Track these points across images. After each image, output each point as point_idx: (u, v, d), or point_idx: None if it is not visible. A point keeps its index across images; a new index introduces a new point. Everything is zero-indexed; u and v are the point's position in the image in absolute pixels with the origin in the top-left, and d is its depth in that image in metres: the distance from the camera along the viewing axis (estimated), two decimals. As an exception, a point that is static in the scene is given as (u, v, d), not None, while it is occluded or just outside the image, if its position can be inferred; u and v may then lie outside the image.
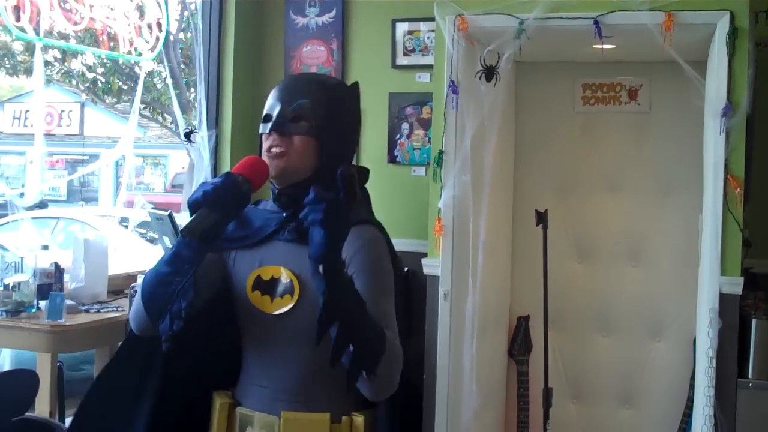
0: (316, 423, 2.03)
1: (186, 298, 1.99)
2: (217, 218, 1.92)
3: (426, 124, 4.66)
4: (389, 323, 1.95)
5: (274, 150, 2.06)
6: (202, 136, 4.88)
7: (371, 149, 4.94)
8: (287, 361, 2.06)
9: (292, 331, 2.04)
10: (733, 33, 3.63)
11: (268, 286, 2.06)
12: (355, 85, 2.25)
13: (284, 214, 2.10)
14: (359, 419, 2.06)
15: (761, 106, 4.20)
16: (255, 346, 2.12)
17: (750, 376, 3.70)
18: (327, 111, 2.11)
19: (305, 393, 2.06)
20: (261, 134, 2.13)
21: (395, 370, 1.91)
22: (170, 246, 4.02)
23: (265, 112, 2.14)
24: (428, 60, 4.62)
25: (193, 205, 1.92)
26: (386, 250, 2.09)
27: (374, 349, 1.83)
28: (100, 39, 5.14)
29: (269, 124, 2.09)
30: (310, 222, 1.75)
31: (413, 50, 4.86)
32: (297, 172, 2.06)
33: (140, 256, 5.47)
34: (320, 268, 1.74)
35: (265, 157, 2.10)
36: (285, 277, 2.05)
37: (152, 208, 4.41)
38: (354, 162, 4.79)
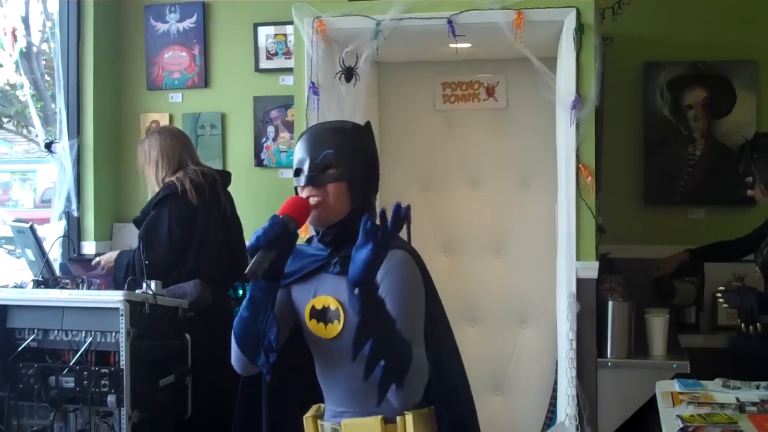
0: (370, 424, 2.28)
1: (272, 332, 2.21)
2: (273, 258, 2.12)
3: (292, 127, 4.69)
4: (417, 340, 2.17)
5: (312, 200, 2.27)
6: (63, 147, 4.79)
7: (237, 153, 4.97)
8: (342, 377, 2.31)
9: (343, 350, 2.21)
10: (580, 29, 3.79)
11: (321, 315, 2.32)
12: (368, 124, 2.43)
13: (328, 251, 2.33)
14: (409, 417, 2.27)
15: (609, 98, 4.40)
16: (320, 367, 2.39)
17: (609, 355, 3.87)
18: (351, 156, 2.31)
19: (361, 402, 2.30)
20: (296, 186, 2.34)
21: (420, 382, 2.15)
22: (32, 258, 3.97)
23: (295, 167, 2.33)
24: (291, 63, 4.64)
25: (251, 251, 2.12)
26: (415, 270, 2.30)
27: (403, 364, 2.07)
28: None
29: (302, 178, 2.29)
30: (357, 246, 2.02)
31: (276, 54, 4.90)
32: (335, 215, 2.29)
33: (5, 270, 5.32)
34: (356, 291, 2.00)
35: None
36: (333, 305, 2.30)
37: (13, 221, 4.31)
38: (223, 166, 4.83)
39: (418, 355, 2.12)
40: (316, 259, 2.36)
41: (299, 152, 2.34)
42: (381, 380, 2.04)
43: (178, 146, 4.12)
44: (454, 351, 2.45)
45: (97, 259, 4.25)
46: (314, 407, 2.46)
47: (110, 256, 4.20)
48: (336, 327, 2.28)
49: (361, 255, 2.01)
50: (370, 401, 2.21)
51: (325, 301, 2.31)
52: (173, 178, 4.01)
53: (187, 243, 3.98)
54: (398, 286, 2.21)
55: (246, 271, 2.10)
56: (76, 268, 4.27)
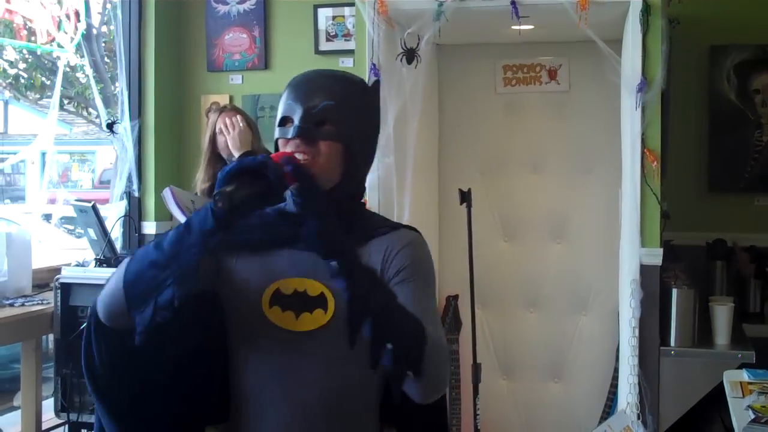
0: None
1: (184, 286, 1.69)
2: (253, 192, 1.66)
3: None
4: (431, 321, 1.78)
5: (299, 158, 1.81)
6: (125, 127, 4.84)
7: (296, 135, 4.94)
8: (314, 381, 1.86)
9: (324, 348, 1.84)
10: (646, 10, 3.71)
11: (291, 302, 1.85)
12: (377, 83, 2.11)
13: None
14: None
15: (675, 82, 4.31)
16: (270, 367, 1.87)
17: (672, 344, 3.80)
18: (354, 114, 1.89)
19: (332, 413, 1.87)
20: (277, 139, 1.90)
21: (443, 368, 1.74)
22: (94, 237, 4.01)
23: (281, 115, 1.89)
24: (351, 45, 4.64)
25: (230, 174, 1.67)
26: (428, 252, 1.94)
27: (415, 346, 1.66)
28: (20, 33, 5.05)
29: (290, 129, 1.85)
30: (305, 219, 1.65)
31: (336, 36, 4.88)
32: (323, 182, 1.83)
33: (65, 249, 5.41)
34: (333, 264, 1.62)
35: None
36: (313, 290, 1.85)
37: (75, 200, 4.36)
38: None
39: (435, 336, 1.72)
40: (281, 230, 1.88)
41: (289, 98, 1.89)
42: (393, 370, 1.63)
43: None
44: None
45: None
46: (215, 427, 1.97)
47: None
48: (317, 318, 1.83)
49: (311, 227, 1.64)
50: (348, 413, 1.88)
51: (299, 284, 1.85)
52: None
53: None
54: (414, 263, 1.86)
55: (216, 192, 1.65)
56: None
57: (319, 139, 1.84)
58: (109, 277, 1.81)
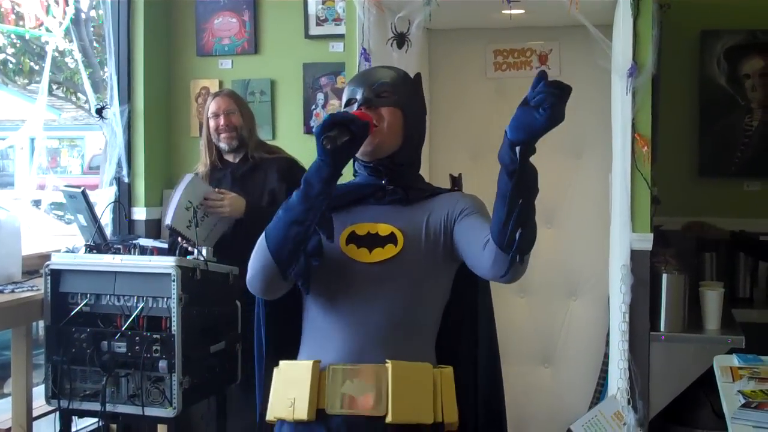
0: (422, 369, 2.13)
1: (328, 227, 2.07)
2: (347, 138, 2.02)
3: (341, 94, 4.65)
4: None
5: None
6: (114, 112, 4.81)
7: (286, 120, 4.95)
8: (379, 310, 2.13)
9: (392, 276, 2.14)
10: (637, -5, 3.71)
11: (363, 240, 2.17)
12: (418, 75, 2.38)
13: (383, 182, 2.24)
14: (448, 370, 2.18)
15: (665, 67, 4.31)
16: (344, 297, 2.16)
17: (662, 329, 3.82)
18: (405, 92, 2.28)
19: (395, 342, 2.13)
20: None
21: (527, 260, 2.01)
22: (84, 223, 3.99)
23: (346, 98, 2.26)
24: (341, 30, 4.61)
25: (326, 125, 2.01)
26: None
27: (534, 235, 1.97)
28: (7, 18, 5.01)
29: (354, 106, 2.21)
30: (538, 102, 1.80)
31: (326, 20, 4.86)
32: (389, 146, 2.21)
33: (55, 235, 5.39)
34: (517, 149, 1.87)
35: None
36: (384, 231, 2.17)
37: (65, 186, 4.34)
38: (272, 134, 4.83)
39: None
40: (363, 187, 2.26)
41: (351, 85, 2.29)
42: (516, 247, 1.91)
43: None
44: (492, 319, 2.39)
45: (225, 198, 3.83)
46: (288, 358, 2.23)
47: (239, 203, 3.86)
48: (388, 251, 2.15)
49: (533, 117, 1.81)
50: (407, 341, 2.13)
51: (371, 227, 2.19)
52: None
53: None
54: (476, 204, 2.22)
55: (323, 136, 1.99)
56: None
57: (380, 106, 2.20)
58: (250, 262, 2.11)
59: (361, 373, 2.09)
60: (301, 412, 2.09)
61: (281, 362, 2.21)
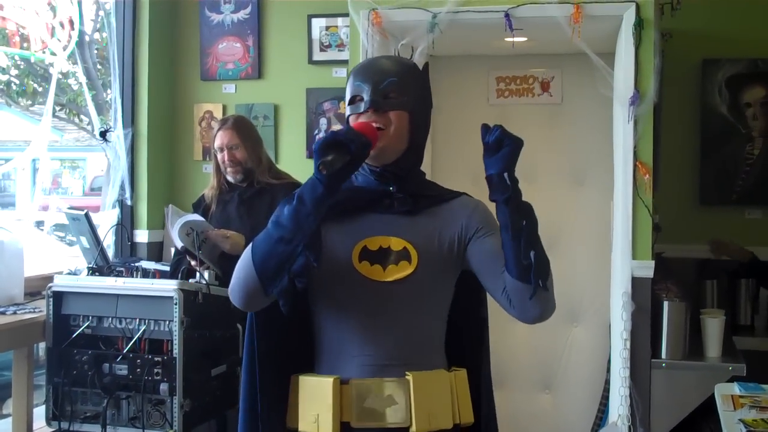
0: (440, 377, 2.14)
1: (315, 249, 2.00)
2: (346, 159, 1.93)
3: (344, 119, 4.67)
4: None
5: (374, 125, 2.08)
6: (117, 135, 4.83)
7: (289, 145, 4.97)
8: (395, 327, 2.11)
9: (408, 295, 2.11)
10: (639, 24, 3.74)
11: (377, 256, 2.11)
12: (426, 66, 2.30)
13: (391, 188, 2.16)
14: (462, 372, 2.19)
15: (667, 95, 4.34)
16: (360, 315, 2.12)
17: (663, 356, 3.81)
18: (413, 88, 2.17)
19: (412, 356, 2.12)
20: (348, 116, 2.16)
21: (552, 291, 2.07)
22: (87, 246, 4.00)
23: (351, 95, 2.16)
24: (345, 55, 4.66)
25: (323, 146, 1.93)
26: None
27: (546, 259, 2.01)
28: (12, 39, 5.04)
29: (360, 105, 2.12)
30: (497, 137, 1.98)
31: (329, 46, 4.89)
32: (393, 150, 2.13)
33: (57, 257, 5.39)
34: (505, 175, 1.97)
35: None
36: (396, 245, 2.11)
37: (68, 209, 4.35)
38: (275, 158, 4.84)
39: None
40: (369, 192, 2.17)
41: (356, 79, 2.16)
42: (534, 272, 1.97)
43: None
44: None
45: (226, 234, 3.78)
46: (308, 373, 2.18)
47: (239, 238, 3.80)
48: (402, 268, 2.09)
49: (500, 150, 1.98)
50: (423, 355, 2.14)
51: (383, 241, 2.11)
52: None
53: None
54: (490, 223, 2.17)
55: (320, 162, 1.91)
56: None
57: (388, 110, 2.11)
58: (235, 271, 2.04)
59: (384, 387, 2.09)
60: (327, 427, 2.09)
61: (300, 377, 2.16)
